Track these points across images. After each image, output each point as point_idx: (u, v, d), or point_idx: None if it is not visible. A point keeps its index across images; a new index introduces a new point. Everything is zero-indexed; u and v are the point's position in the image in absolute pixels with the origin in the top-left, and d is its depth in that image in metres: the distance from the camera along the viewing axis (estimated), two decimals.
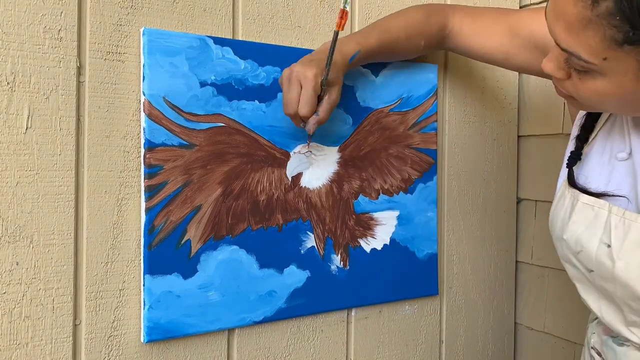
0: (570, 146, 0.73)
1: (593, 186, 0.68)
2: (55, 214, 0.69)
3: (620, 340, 0.69)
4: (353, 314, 0.93)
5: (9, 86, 0.66)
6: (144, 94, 0.73)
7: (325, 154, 0.87)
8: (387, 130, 0.93)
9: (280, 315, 0.83)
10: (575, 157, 0.71)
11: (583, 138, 0.72)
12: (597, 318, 0.73)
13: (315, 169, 0.87)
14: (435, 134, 0.99)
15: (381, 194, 0.93)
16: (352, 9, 0.92)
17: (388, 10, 0.95)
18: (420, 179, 0.97)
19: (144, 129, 0.73)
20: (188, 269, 0.76)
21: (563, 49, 0.57)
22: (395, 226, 0.94)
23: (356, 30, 0.92)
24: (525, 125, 1.13)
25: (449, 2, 1.03)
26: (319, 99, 0.76)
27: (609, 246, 0.63)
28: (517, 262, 1.15)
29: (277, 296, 0.83)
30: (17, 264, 0.67)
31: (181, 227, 0.76)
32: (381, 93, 0.92)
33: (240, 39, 0.82)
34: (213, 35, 0.79)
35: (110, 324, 0.73)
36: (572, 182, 0.70)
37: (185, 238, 0.76)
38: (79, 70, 0.71)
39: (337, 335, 0.91)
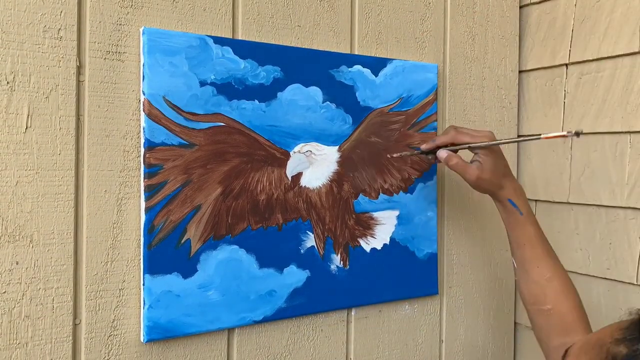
0: None
1: None
2: (55, 213, 0.69)
3: None
4: (353, 313, 0.93)
5: (9, 86, 0.66)
6: (143, 94, 0.73)
7: (325, 154, 0.87)
8: (387, 130, 0.93)
9: (280, 315, 0.83)
10: None
11: None
12: None
13: (315, 168, 0.87)
14: (435, 133, 0.99)
15: (381, 194, 0.93)
16: (352, 8, 0.92)
17: (388, 10, 0.95)
18: (420, 178, 0.97)
19: (143, 128, 0.73)
20: (188, 268, 0.76)
21: None
22: (395, 226, 0.94)
23: (356, 32, 0.92)
24: (526, 125, 1.13)
25: None
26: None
27: None
28: None
29: (277, 296, 0.83)
30: (17, 264, 0.67)
31: (181, 227, 0.76)
32: (381, 92, 0.92)
33: (240, 38, 0.82)
34: (213, 34, 0.79)
35: (110, 324, 0.73)
36: None
37: (185, 238, 0.76)
38: (79, 69, 0.70)
39: (337, 335, 0.91)
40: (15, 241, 0.67)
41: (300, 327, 0.88)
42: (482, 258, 1.09)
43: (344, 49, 0.91)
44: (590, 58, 1.01)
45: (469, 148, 0.84)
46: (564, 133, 0.74)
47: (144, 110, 0.73)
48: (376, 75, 0.92)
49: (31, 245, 0.68)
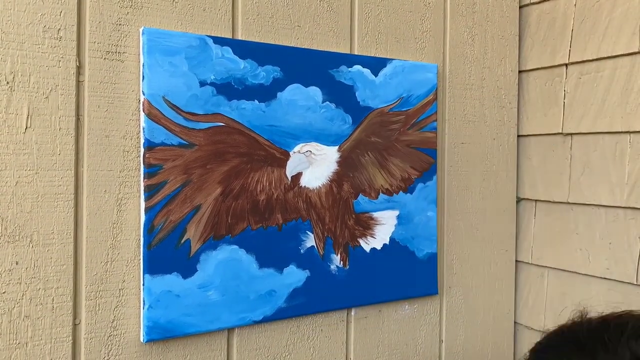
0: None
1: None
2: (55, 213, 0.69)
3: None
4: (353, 313, 0.93)
5: (9, 86, 0.66)
6: (143, 94, 0.73)
7: (325, 154, 0.87)
8: (386, 130, 0.93)
9: (280, 315, 0.83)
10: None
11: None
12: None
13: (315, 168, 0.87)
14: (435, 133, 0.99)
15: (381, 194, 0.93)
16: (352, 9, 0.92)
17: (388, 10, 0.95)
18: (420, 178, 0.97)
19: (143, 128, 0.73)
20: (188, 268, 0.76)
21: None
22: (395, 226, 0.94)
23: (356, 32, 0.92)
24: (525, 125, 1.13)
25: None
26: None
27: None
28: (516, 261, 1.15)
29: (277, 296, 0.83)
30: (16, 264, 0.67)
31: (181, 227, 0.76)
32: (381, 92, 0.92)
33: (239, 38, 0.82)
34: (213, 34, 0.79)
35: (109, 324, 0.73)
36: None
37: (185, 238, 0.76)
38: (79, 69, 0.71)
39: (337, 335, 0.91)
40: (15, 241, 0.67)
41: (300, 327, 0.88)
42: (482, 258, 1.09)
43: (344, 49, 0.91)
44: (590, 58, 1.01)
45: None
46: None
47: (143, 111, 0.73)
48: (376, 75, 0.92)
49: (31, 245, 0.68)
